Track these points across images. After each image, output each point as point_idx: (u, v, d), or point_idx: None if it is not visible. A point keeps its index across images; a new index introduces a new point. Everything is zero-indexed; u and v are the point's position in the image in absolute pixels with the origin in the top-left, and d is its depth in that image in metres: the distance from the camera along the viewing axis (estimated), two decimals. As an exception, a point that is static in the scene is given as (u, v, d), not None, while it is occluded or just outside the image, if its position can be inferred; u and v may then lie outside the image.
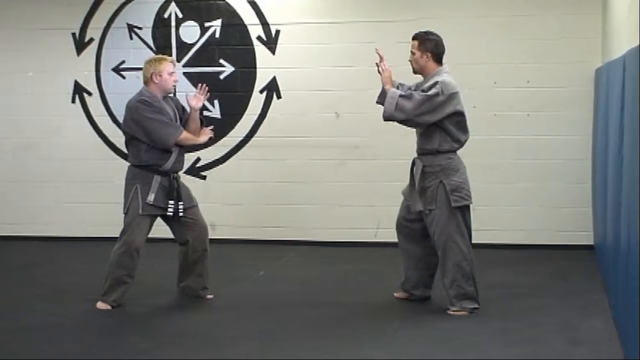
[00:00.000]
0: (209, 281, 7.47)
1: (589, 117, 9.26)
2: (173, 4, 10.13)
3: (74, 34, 10.32)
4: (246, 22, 10.00)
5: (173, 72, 7.22)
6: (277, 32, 9.94)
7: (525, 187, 9.53)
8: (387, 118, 6.97)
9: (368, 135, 9.74)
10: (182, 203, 7.18)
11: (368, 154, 9.74)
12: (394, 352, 5.92)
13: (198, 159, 10.09)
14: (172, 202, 7.13)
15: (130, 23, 10.21)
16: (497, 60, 9.50)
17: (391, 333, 6.38)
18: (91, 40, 10.30)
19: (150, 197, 7.07)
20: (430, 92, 6.84)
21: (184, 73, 10.10)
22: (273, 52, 9.97)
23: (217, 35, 10.07)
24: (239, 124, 10.06)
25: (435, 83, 6.88)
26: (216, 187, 10.10)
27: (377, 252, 9.39)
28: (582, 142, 9.31)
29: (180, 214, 7.18)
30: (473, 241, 9.48)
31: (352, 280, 8.25)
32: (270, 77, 9.97)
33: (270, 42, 9.96)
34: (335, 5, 9.91)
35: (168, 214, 7.15)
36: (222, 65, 10.07)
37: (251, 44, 10.00)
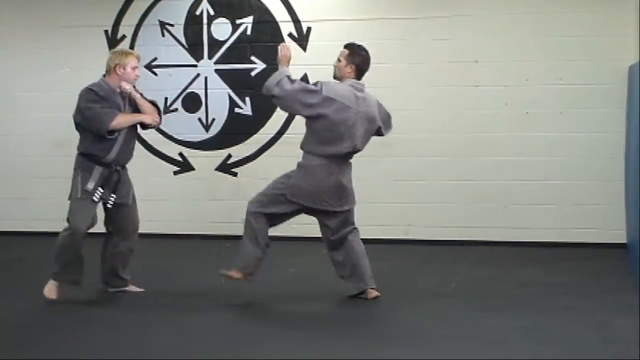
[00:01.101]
0: (128, 275, 7.60)
1: (621, 115, 9.19)
2: (205, 1, 10.16)
3: (106, 31, 10.38)
4: (277, 19, 10.01)
5: (136, 67, 7.40)
6: (309, 29, 9.94)
7: (557, 185, 9.47)
8: (265, 88, 7.12)
9: (400, 132, 9.68)
10: (114, 196, 7.31)
11: (400, 152, 9.72)
12: (425, 351, 5.90)
13: (229, 156, 10.12)
14: (102, 190, 7.25)
15: (162, 20, 10.25)
16: (529, 58, 9.44)
17: (422, 331, 6.36)
18: (123, 37, 10.36)
19: (90, 185, 7.22)
20: (309, 85, 7.03)
21: (216, 70, 10.14)
22: (304, 49, 9.97)
23: (249, 32, 10.09)
24: (270, 121, 10.07)
25: (318, 82, 7.05)
26: (247, 184, 10.11)
27: (409, 250, 9.39)
28: (615, 139, 9.24)
29: (109, 205, 7.32)
30: (506, 239, 9.50)
31: (383, 278, 8.21)
32: (302, 74, 9.95)
33: (302, 39, 9.96)
34: (367, 2, 9.90)
35: (107, 205, 7.32)
36: (254, 62, 10.08)
37: (282, 41, 9.99)
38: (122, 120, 7.25)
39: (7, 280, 8.32)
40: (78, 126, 7.33)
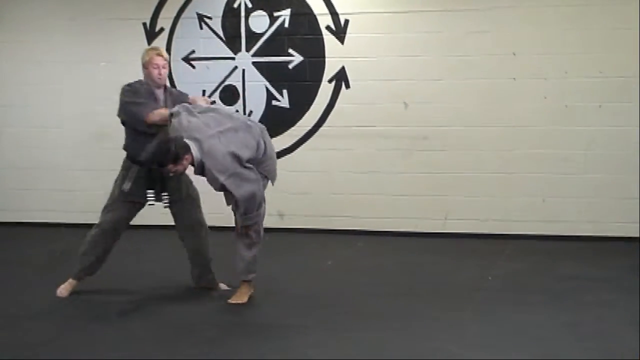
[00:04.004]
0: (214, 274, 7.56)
1: (662, 108, 9.13)
2: (242, -6, 10.19)
3: (144, 24, 10.42)
4: (315, 11, 10.00)
5: (157, 65, 7.17)
6: (346, 21, 9.93)
7: (596, 178, 9.40)
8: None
9: (437, 125, 9.69)
10: (165, 194, 7.20)
11: (436, 144, 9.69)
12: (464, 345, 5.90)
13: (266, 148, 10.14)
14: (151, 191, 7.16)
15: (200, 13, 10.28)
16: (569, 50, 9.36)
17: (461, 325, 6.36)
18: (162, 30, 10.40)
19: (126, 186, 7.16)
20: (242, 165, 7.00)
21: (253, 63, 10.15)
22: (342, 42, 9.96)
23: (286, 24, 10.09)
24: (307, 113, 10.07)
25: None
26: (284, 176, 10.08)
27: (445, 243, 9.37)
28: (655, 133, 9.18)
29: (165, 205, 7.24)
30: (544, 232, 9.45)
31: (421, 270, 8.23)
32: (339, 67, 9.97)
33: (339, 31, 9.95)
34: (404, -6, 9.88)
35: (149, 204, 7.23)
36: (291, 55, 10.09)
37: (320, 33, 9.99)
38: (152, 116, 7.03)
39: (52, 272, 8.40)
40: (123, 123, 7.31)
